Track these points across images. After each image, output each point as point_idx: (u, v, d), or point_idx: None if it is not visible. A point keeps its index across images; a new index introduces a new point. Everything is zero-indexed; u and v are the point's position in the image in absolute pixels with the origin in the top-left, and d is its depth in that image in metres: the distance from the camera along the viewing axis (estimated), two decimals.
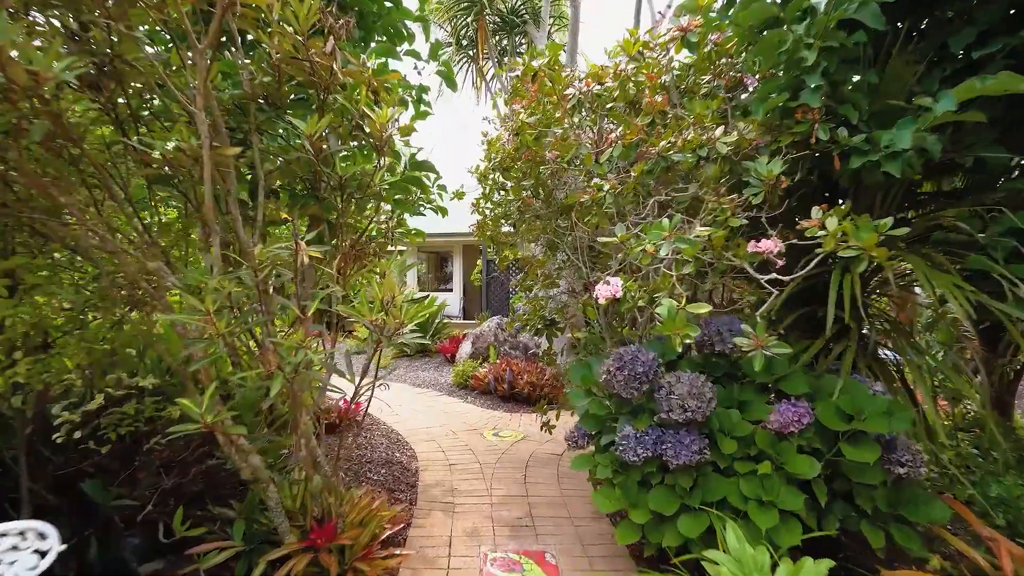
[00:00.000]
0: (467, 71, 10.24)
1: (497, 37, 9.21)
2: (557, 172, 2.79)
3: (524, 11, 8.72)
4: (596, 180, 2.34)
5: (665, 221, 1.70)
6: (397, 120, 2.33)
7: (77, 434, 1.70)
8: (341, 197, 2.24)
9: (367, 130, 2.16)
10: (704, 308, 1.57)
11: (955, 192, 2.79)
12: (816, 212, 1.63)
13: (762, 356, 1.49)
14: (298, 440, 2.04)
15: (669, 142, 1.93)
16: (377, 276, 2.14)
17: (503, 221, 4.19)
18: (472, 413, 5.83)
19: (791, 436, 2.07)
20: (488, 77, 9.33)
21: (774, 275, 1.68)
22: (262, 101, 2.24)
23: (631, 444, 2.18)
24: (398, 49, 3.43)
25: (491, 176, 3.77)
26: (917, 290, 3.04)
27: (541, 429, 3.96)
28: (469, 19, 9.13)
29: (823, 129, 1.96)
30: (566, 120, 2.24)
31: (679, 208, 2.27)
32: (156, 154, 1.63)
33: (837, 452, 2.10)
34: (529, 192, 3.18)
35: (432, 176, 4.43)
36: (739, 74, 2.51)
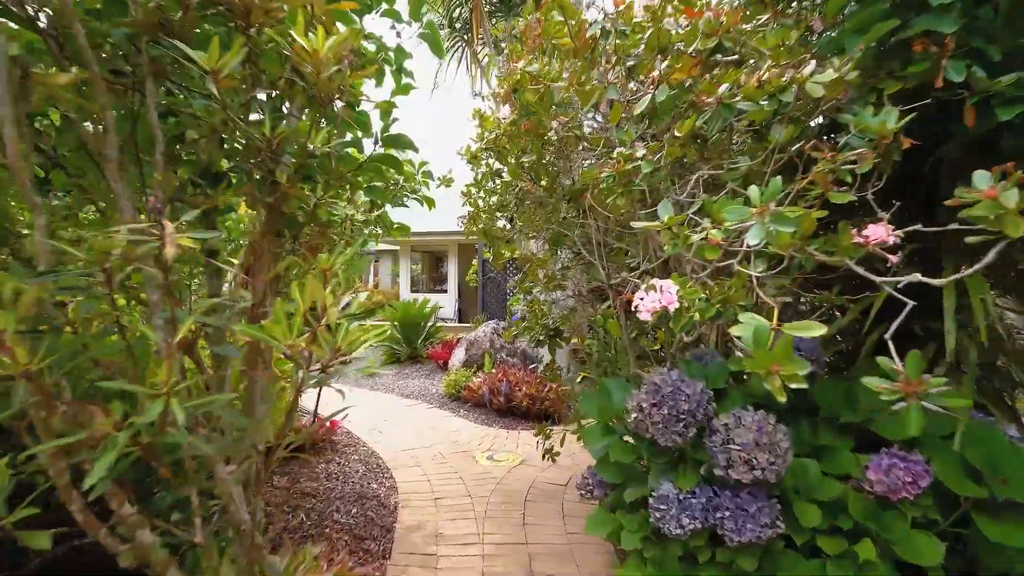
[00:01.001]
0: (461, 56, 9.60)
1: (494, 20, 8.60)
2: (565, 144, 2.19)
3: None
4: (620, 150, 1.74)
5: (753, 191, 1.10)
6: (355, 62, 1.72)
7: None
8: (273, 170, 1.63)
9: (308, 75, 1.54)
10: (816, 328, 0.98)
11: None
12: (983, 178, 1.04)
13: (919, 410, 0.90)
14: (223, 505, 1.43)
15: (735, 84, 1.34)
16: (330, 276, 1.51)
17: (498, 214, 3.59)
18: (464, 430, 5.22)
19: (900, 503, 1.47)
20: (484, 62, 8.70)
21: (917, 275, 1.09)
22: (164, 36, 1.62)
23: (672, 510, 1.58)
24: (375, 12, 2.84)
25: (484, 158, 3.17)
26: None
27: (543, 457, 3.36)
28: None
29: (955, 67, 1.36)
30: (584, 58, 1.64)
31: (735, 186, 1.67)
32: None
33: (957, 521, 1.51)
34: (529, 175, 2.59)
35: (414, 158, 3.83)
36: (804, 12, 1.93)
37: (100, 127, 1.50)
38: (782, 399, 0.92)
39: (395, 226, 3.76)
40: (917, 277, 1.09)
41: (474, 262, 12.94)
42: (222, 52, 1.25)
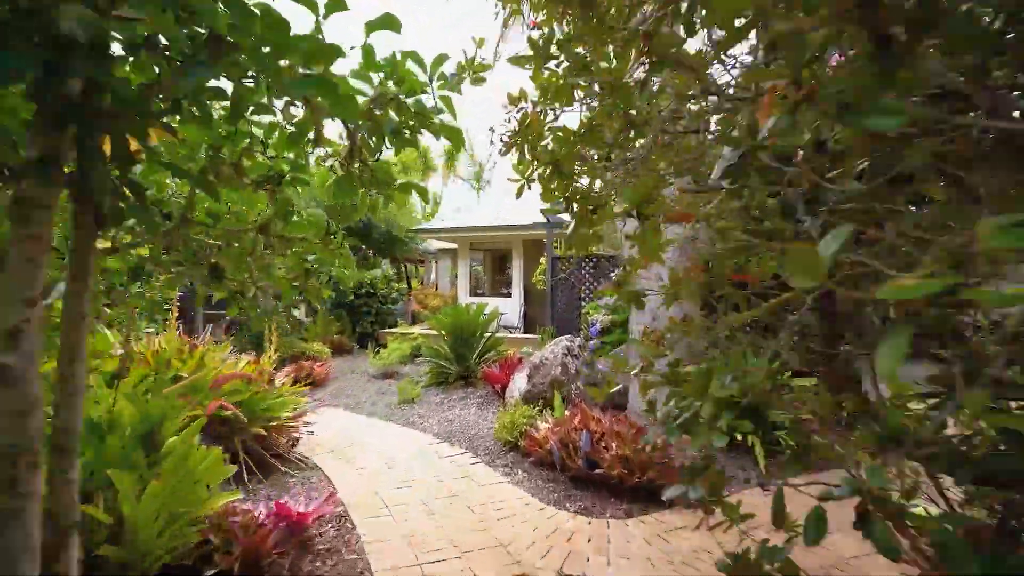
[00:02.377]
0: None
1: None
2: None
3: None
4: None
5: None
6: None
7: None
8: None
9: None
10: None
11: None
12: None
13: None
14: None
15: None
16: None
17: (590, 153, 1.69)
18: (520, 515, 3.34)
19: None
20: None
21: None
22: None
23: None
24: None
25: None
26: None
27: None
28: None
29: None
30: None
31: None
32: None
33: None
34: None
35: (412, 57, 2.01)
36: None
37: None
38: None
39: (437, 128, 1.97)
40: None
41: (542, 260, 11.08)
42: None
